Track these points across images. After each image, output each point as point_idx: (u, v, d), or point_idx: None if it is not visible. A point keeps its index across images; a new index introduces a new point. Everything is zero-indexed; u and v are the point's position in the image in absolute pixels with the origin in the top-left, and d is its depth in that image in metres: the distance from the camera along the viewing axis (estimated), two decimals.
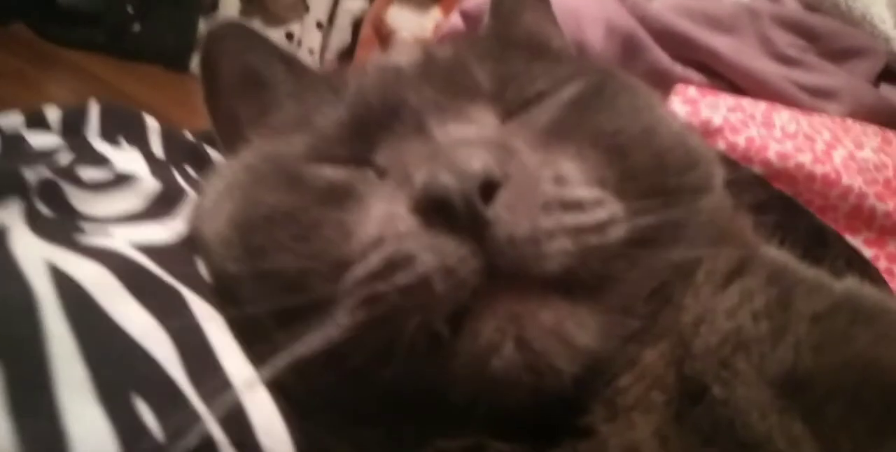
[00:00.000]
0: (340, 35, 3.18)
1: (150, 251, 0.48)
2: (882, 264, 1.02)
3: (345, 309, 0.43)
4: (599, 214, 0.45)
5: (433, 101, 0.50)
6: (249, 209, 0.50)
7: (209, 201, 0.55)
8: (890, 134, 1.23)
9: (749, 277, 0.51)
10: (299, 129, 0.54)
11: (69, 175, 0.54)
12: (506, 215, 0.42)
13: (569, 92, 0.53)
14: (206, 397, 0.41)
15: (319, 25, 3.18)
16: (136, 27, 3.06)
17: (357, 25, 3.15)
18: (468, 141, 0.46)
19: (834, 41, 1.47)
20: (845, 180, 1.03)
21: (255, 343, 0.46)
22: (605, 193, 0.47)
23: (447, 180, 0.42)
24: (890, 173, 1.09)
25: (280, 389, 0.45)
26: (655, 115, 0.56)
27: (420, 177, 0.44)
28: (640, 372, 0.47)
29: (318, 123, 0.53)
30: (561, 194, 0.44)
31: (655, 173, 0.50)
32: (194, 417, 0.39)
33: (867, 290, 0.52)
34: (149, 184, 0.56)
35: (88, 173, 0.54)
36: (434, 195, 0.42)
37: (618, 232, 0.46)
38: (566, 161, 0.47)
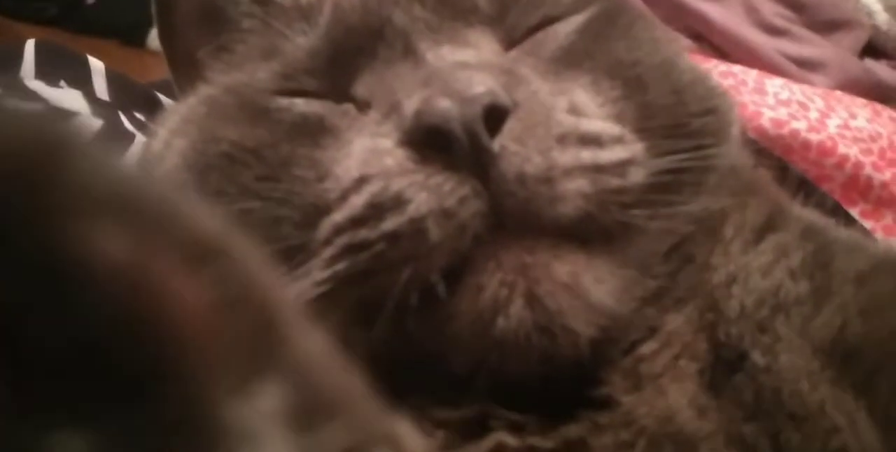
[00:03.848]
0: None
1: None
2: (878, 237, 0.98)
3: (321, 261, 0.37)
4: (619, 153, 0.40)
5: (423, 21, 0.43)
6: (206, 146, 0.43)
7: (160, 142, 0.47)
8: (878, 106, 1.20)
9: (782, 232, 0.45)
10: (266, 60, 0.47)
11: None
12: (515, 148, 0.36)
13: (579, 18, 0.46)
14: None
15: None
16: (90, 0, 2.93)
17: None
18: (467, 64, 0.40)
19: (820, 12, 1.44)
20: (841, 149, 0.99)
21: None
22: (625, 130, 0.41)
23: (445, 106, 0.36)
24: (884, 143, 1.05)
25: None
26: (674, 49, 0.50)
27: (412, 104, 0.38)
28: (665, 339, 0.42)
29: (287, 52, 0.46)
30: (578, 126, 0.38)
31: (675, 111, 0.45)
32: None
33: None
34: (88, 122, 0.48)
35: (16, 106, 0.45)
36: (429, 123, 0.36)
37: (638, 175, 0.40)
38: (581, 91, 0.41)
